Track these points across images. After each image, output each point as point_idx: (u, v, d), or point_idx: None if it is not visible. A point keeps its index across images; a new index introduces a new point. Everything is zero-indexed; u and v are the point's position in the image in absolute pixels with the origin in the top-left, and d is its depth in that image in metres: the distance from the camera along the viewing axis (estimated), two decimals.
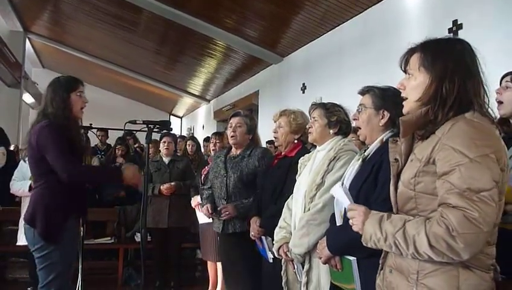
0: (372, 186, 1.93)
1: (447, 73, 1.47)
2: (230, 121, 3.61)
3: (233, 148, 3.62)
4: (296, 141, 3.11)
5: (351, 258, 1.98)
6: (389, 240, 1.43)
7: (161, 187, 5.03)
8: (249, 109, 9.07)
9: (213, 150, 4.71)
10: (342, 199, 1.71)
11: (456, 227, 1.29)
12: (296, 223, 2.54)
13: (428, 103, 1.50)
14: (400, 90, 1.61)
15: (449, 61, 1.49)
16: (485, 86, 1.51)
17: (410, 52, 1.58)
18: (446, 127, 1.43)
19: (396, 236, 1.41)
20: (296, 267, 2.58)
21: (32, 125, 2.82)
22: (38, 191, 2.75)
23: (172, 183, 5.06)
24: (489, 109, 1.49)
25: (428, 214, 1.41)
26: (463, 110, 1.45)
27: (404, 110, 1.60)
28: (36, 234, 2.67)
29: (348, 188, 2.09)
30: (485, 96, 1.50)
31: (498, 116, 2.52)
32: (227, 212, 3.40)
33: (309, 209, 2.46)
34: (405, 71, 1.60)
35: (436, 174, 1.40)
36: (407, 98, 1.58)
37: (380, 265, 1.64)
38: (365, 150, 2.15)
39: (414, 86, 1.54)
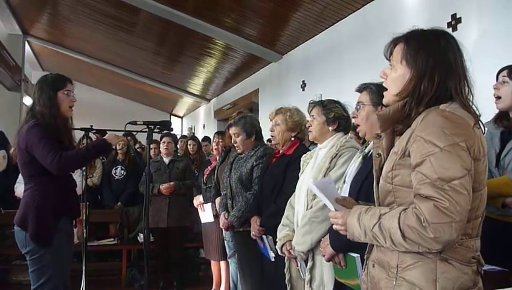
0: (373, 184, 1.93)
1: (427, 70, 1.46)
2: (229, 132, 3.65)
3: None
4: (293, 139, 3.11)
5: (355, 255, 1.99)
6: (368, 234, 1.44)
7: (160, 187, 5.05)
8: (249, 108, 9.08)
9: (215, 149, 4.72)
10: (319, 195, 1.71)
11: (426, 217, 1.30)
12: (299, 220, 2.55)
13: (406, 97, 1.50)
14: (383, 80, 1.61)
15: (431, 58, 1.47)
16: (469, 84, 1.50)
17: (395, 42, 1.57)
18: (419, 118, 1.43)
19: (374, 231, 1.41)
20: (299, 264, 2.59)
21: (21, 126, 2.80)
22: (29, 193, 2.72)
23: (172, 183, 5.08)
24: (473, 106, 1.48)
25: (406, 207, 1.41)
26: (440, 103, 1.44)
27: (384, 101, 1.60)
28: (27, 236, 2.65)
29: (349, 185, 2.10)
30: (469, 93, 1.49)
31: (497, 111, 2.54)
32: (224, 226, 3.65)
33: (311, 207, 2.47)
34: (389, 60, 1.59)
35: (411, 166, 1.40)
36: (387, 89, 1.58)
37: (365, 260, 1.65)
38: (365, 147, 2.15)
39: (394, 78, 1.53)
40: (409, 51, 1.50)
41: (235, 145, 3.61)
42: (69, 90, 2.84)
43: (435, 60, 1.47)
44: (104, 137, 2.89)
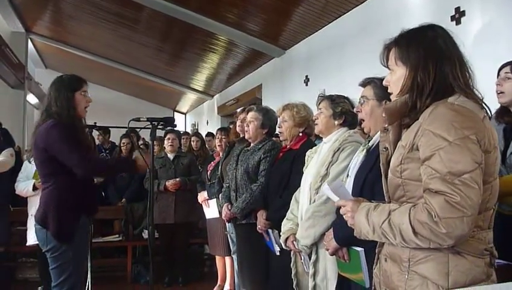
0: (377, 177, 1.92)
1: (420, 61, 1.48)
2: (245, 116, 3.65)
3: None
4: (300, 134, 3.12)
5: (359, 249, 1.98)
6: (377, 231, 1.43)
7: (166, 183, 5.06)
8: (252, 103, 9.06)
9: (219, 145, 4.72)
10: (332, 197, 1.72)
11: (438, 212, 1.29)
12: (303, 215, 2.55)
13: (407, 93, 1.51)
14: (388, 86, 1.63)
15: (421, 49, 1.49)
16: (468, 68, 1.50)
17: (387, 48, 1.59)
18: (427, 112, 1.43)
19: (383, 227, 1.41)
20: (303, 258, 2.60)
21: (36, 126, 2.81)
22: (48, 191, 2.74)
23: (178, 179, 5.10)
24: (475, 90, 1.48)
25: (417, 201, 1.40)
26: (444, 94, 1.45)
27: None
28: (49, 234, 2.68)
29: (353, 179, 2.10)
30: (470, 78, 1.49)
31: (498, 106, 2.53)
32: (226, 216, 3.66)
33: (314, 201, 2.47)
34: (387, 67, 1.61)
35: (420, 160, 1.40)
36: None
37: (376, 254, 1.65)
38: (369, 141, 2.15)
39: (395, 80, 1.56)
40: (400, 50, 1.53)
41: (246, 130, 3.59)
42: (85, 91, 2.86)
43: (425, 50, 1.49)
44: (134, 159, 2.92)
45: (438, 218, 1.29)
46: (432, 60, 1.47)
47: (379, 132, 2.07)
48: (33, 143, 2.79)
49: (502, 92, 2.46)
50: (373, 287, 1.68)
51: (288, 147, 3.16)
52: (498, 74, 2.53)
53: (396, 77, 1.55)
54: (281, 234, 2.75)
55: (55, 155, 2.67)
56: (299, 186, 2.74)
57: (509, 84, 2.44)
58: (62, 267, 2.70)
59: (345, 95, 2.73)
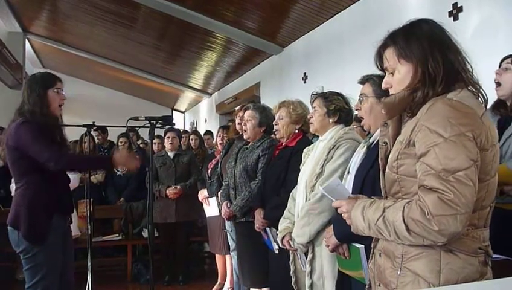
0: (378, 173, 1.93)
1: (426, 52, 1.46)
2: (243, 115, 3.65)
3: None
4: (296, 131, 3.12)
5: (359, 245, 1.98)
6: (372, 228, 1.43)
7: (167, 192, 5.07)
8: (251, 101, 9.05)
9: (220, 144, 4.74)
10: (329, 197, 1.71)
11: (430, 210, 1.28)
12: (299, 213, 2.55)
13: (417, 87, 1.48)
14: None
15: (424, 42, 1.47)
16: (464, 55, 1.49)
17: (382, 49, 1.56)
18: (425, 107, 1.42)
19: (378, 224, 1.40)
20: (299, 256, 2.60)
21: (8, 125, 2.75)
22: (20, 192, 2.68)
23: (178, 187, 5.11)
24: (473, 77, 1.48)
25: (412, 197, 1.40)
26: (454, 82, 1.44)
27: None
28: (20, 236, 2.61)
29: (353, 175, 2.10)
30: (467, 63, 1.49)
31: (496, 98, 2.53)
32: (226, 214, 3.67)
33: (310, 199, 2.47)
34: (383, 70, 1.58)
35: (416, 156, 1.39)
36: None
37: (372, 249, 1.64)
38: (370, 137, 2.15)
39: (400, 79, 1.51)
40: (400, 48, 1.50)
41: (244, 129, 3.60)
42: (59, 88, 2.79)
43: (427, 41, 1.47)
44: (114, 156, 2.84)
45: (430, 215, 1.28)
46: (437, 49, 1.45)
47: (379, 128, 2.08)
48: (5, 142, 2.72)
49: (499, 84, 2.47)
50: (368, 282, 1.68)
51: (284, 144, 3.15)
52: (500, 66, 2.53)
53: (401, 75, 1.51)
54: (277, 232, 2.75)
55: (27, 153, 2.61)
56: (296, 183, 2.73)
57: (508, 75, 2.44)
58: (35, 270, 2.64)
59: (339, 92, 2.72)
